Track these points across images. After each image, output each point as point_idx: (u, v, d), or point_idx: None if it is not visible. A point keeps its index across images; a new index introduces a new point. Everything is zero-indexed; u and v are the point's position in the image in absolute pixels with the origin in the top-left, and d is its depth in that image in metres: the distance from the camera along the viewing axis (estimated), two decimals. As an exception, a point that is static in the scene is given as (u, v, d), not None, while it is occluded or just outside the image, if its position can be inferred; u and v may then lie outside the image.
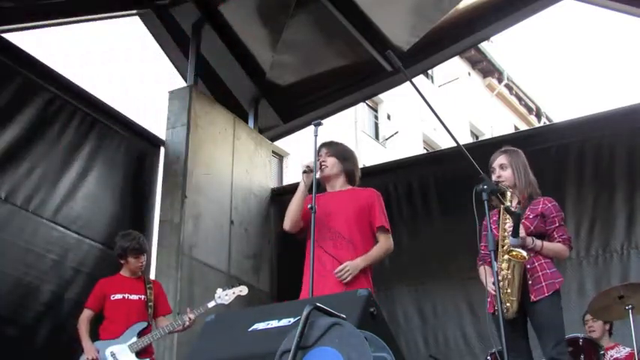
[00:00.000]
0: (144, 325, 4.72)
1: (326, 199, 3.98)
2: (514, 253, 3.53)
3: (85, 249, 5.81)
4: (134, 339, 4.64)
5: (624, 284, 4.73)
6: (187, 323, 4.69)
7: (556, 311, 3.61)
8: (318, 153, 4.07)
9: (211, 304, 4.75)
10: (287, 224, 4.01)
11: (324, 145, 4.14)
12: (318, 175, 4.00)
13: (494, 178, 3.81)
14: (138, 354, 4.62)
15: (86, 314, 4.80)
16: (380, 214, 3.98)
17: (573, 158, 6.28)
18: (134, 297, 4.80)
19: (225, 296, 4.77)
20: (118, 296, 4.78)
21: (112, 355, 4.60)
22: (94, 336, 4.73)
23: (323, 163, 4.02)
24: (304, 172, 3.94)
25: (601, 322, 4.98)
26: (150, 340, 4.67)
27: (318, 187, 3.92)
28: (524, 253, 3.54)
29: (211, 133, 6.79)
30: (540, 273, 3.63)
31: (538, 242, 3.66)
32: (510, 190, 3.72)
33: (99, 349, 4.61)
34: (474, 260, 3.99)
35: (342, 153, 4.12)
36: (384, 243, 3.96)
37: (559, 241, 3.71)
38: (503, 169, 3.84)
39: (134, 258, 4.85)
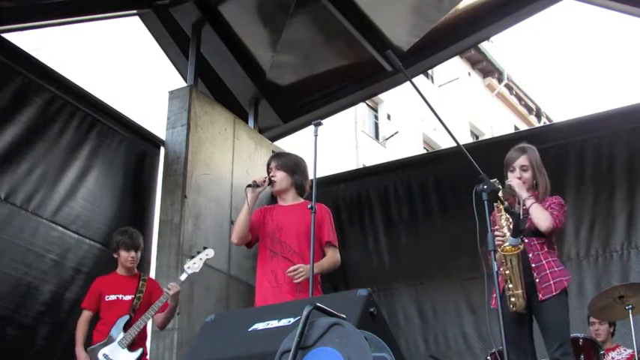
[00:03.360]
0: (126, 318, 4.70)
1: (278, 213, 4.11)
2: (507, 248, 3.52)
3: (85, 249, 5.80)
4: (121, 334, 4.64)
5: (624, 284, 4.73)
6: (171, 292, 4.65)
7: (562, 311, 3.60)
8: (268, 167, 4.20)
9: (183, 277, 4.76)
10: (234, 238, 4.17)
11: (272, 158, 4.26)
12: (272, 190, 4.17)
13: (511, 176, 3.80)
14: (130, 347, 4.63)
15: (84, 316, 4.81)
16: (329, 230, 4.10)
17: (573, 158, 6.28)
18: (128, 297, 4.80)
19: (193, 265, 4.77)
20: (112, 297, 4.79)
21: (105, 357, 4.60)
22: (89, 339, 4.74)
23: (272, 178, 4.11)
24: (249, 186, 4.05)
25: (607, 324, 4.98)
26: (136, 330, 4.65)
27: (272, 198, 4.03)
28: (517, 243, 3.53)
29: (211, 133, 6.78)
30: (548, 271, 3.62)
31: (530, 200, 3.64)
32: (513, 193, 3.74)
33: (90, 357, 4.61)
34: (473, 260, 3.98)
35: (290, 166, 4.18)
36: (332, 257, 4.08)
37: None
38: (524, 170, 3.81)
39: (125, 252, 4.87)
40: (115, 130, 6.33)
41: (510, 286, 3.56)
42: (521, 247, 3.54)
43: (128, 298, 4.80)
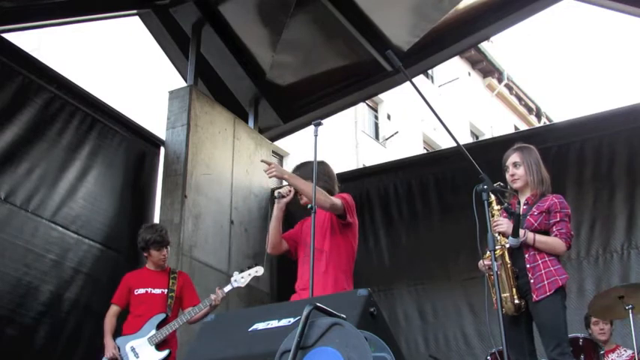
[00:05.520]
0: (162, 316, 4.71)
1: (308, 219, 4.02)
2: (496, 251, 3.52)
3: (85, 249, 5.80)
4: (153, 331, 4.64)
5: (624, 285, 4.72)
6: (215, 302, 4.69)
7: (557, 310, 3.57)
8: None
9: (228, 288, 4.77)
10: (269, 249, 4.12)
11: (294, 170, 4.17)
12: (302, 202, 4.05)
13: (507, 176, 3.82)
14: (157, 346, 4.62)
15: (112, 310, 4.83)
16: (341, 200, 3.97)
17: (573, 158, 6.27)
18: (157, 291, 4.79)
19: (241, 279, 4.78)
20: (141, 291, 4.79)
21: (132, 349, 4.61)
22: (119, 332, 4.75)
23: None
24: (275, 197, 4.04)
25: (610, 324, 4.97)
26: (168, 330, 4.65)
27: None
28: (517, 243, 3.57)
29: (211, 133, 6.79)
30: (543, 271, 3.60)
31: (530, 235, 3.63)
32: (514, 193, 3.74)
33: (119, 346, 4.63)
34: (473, 260, 3.98)
35: (310, 174, 4.04)
36: (331, 197, 3.90)
37: (555, 235, 3.66)
38: (516, 167, 3.83)
39: (156, 250, 4.86)
40: (115, 130, 6.33)
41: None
42: (505, 245, 3.57)
43: (157, 291, 4.79)
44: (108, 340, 4.68)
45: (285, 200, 4.05)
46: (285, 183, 4.24)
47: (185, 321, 4.73)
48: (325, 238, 3.95)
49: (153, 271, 4.90)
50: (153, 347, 4.61)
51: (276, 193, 4.06)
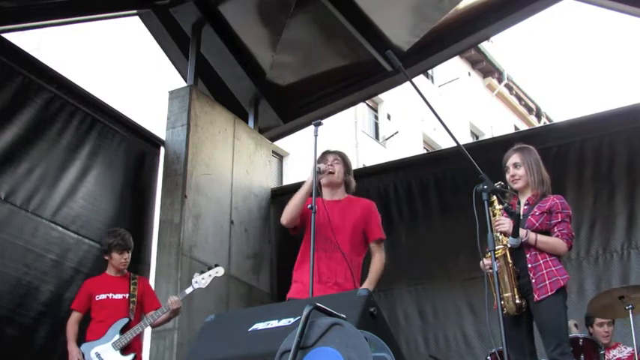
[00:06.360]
0: (125, 321, 4.71)
1: (326, 208, 3.96)
2: (498, 251, 3.53)
3: (85, 249, 5.80)
4: (117, 336, 4.65)
5: (624, 286, 4.72)
6: (172, 307, 4.71)
7: (559, 310, 3.58)
8: (324, 157, 4.11)
9: (189, 290, 4.81)
10: (284, 218, 4.04)
11: (333, 151, 4.17)
12: (324, 181, 4.06)
13: (508, 177, 3.83)
14: (122, 350, 4.63)
15: (73, 317, 4.83)
16: (377, 226, 4.06)
17: (573, 158, 6.28)
18: (118, 296, 4.80)
19: (202, 280, 4.82)
20: (102, 296, 4.79)
21: (97, 355, 4.62)
22: (82, 338, 4.74)
23: (331, 168, 4.04)
24: (318, 171, 3.93)
25: (612, 325, 4.97)
26: (132, 334, 4.67)
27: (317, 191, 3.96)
28: (517, 243, 3.58)
29: (211, 133, 6.79)
30: (545, 271, 3.61)
31: (532, 235, 3.64)
32: (514, 193, 3.75)
33: (84, 352, 4.64)
34: (473, 260, 3.99)
35: (348, 165, 4.17)
36: (380, 257, 4.03)
37: (557, 235, 3.67)
38: (517, 167, 3.85)
39: (118, 254, 4.85)
40: (115, 130, 6.33)
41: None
42: (507, 245, 3.58)
43: (118, 297, 4.80)
44: (71, 346, 4.68)
45: (321, 177, 3.97)
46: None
47: (148, 325, 4.77)
48: (350, 244, 3.95)
49: (113, 276, 4.90)
50: (118, 352, 4.62)
51: (318, 168, 3.93)
